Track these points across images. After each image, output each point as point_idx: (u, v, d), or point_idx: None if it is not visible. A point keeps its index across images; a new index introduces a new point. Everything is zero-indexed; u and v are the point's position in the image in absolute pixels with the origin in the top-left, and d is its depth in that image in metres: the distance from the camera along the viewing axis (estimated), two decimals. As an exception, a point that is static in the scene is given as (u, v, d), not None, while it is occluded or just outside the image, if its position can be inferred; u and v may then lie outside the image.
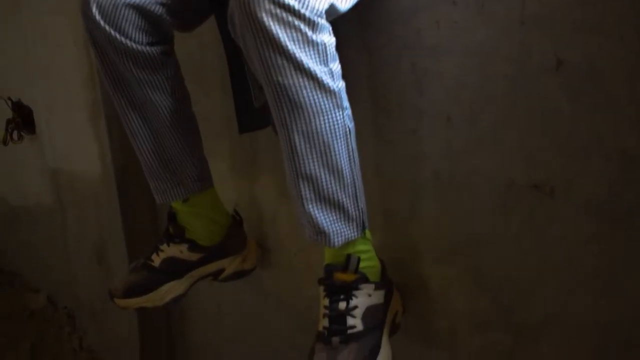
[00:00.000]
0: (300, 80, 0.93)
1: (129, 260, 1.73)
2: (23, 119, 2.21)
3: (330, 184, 1.00)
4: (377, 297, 1.08)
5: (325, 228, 1.02)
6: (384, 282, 1.11)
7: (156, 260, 1.35)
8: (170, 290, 1.36)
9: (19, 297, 2.41)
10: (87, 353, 2.03)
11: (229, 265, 1.41)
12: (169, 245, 1.34)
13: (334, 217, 1.02)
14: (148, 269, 1.36)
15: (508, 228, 1.04)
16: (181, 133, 1.25)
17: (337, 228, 1.03)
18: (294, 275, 1.44)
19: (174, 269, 1.35)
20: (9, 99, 2.26)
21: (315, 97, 0.94)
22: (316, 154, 0.98)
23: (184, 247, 1.33)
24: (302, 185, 1.00)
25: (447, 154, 1.09)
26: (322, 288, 1.09)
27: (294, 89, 0.93)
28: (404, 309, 1.20)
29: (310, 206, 1.01)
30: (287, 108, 0.95)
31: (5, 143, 2.21)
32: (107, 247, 1.79)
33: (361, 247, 1.08)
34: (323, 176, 0.99)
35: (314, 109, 0.95)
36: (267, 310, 1.54)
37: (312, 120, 0.95)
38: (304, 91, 0.93)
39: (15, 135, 2.21)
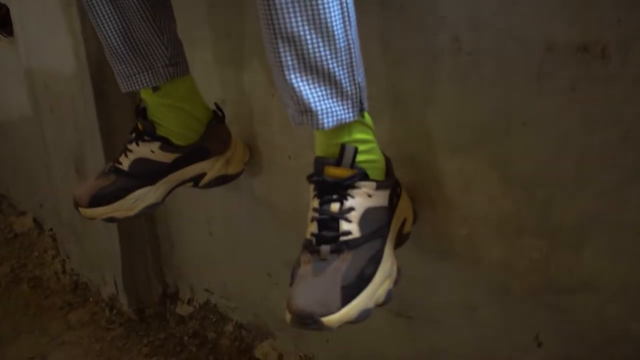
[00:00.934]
0: None
1: (108, 170, 1.55)
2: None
3: (318, 47, 0.78)
4: (380, 199, 0.88)
5: (312, 105, 0.81)
6: (390, 182, 0.91)
7: (124, 163, 1.16)
8: (142, 197, 1.18)
9: (4, 219, 2.25)
10: (70, 277, 1.87)
11: (210, 168, 1.21)
12: (138, 145, 1.15)
13: (323, 92, 0.81)
14: (116, 173, 1.17)
15: (546, 105, 0.82)
16: (148, 6, 1.04)
17: (327, 105, 0.82)
18: (287, 182, 1.24)
19: (146, 173, 1.16)
20: (-17, -2, 2.05)
21: None
22: (299, 6, 0.76)
23: (155, 146, 1.14)
24: (282, 49, 0.78)
25: (471, 16, 0.86)
26: (311, 187, 0.89)
27: None
28: (415, 216, 1.00)
29: (292, 76, 0.79)
30: None
31: (-21, 47, 2.01)
32: (85, 153, 1.61)
33: (359, 135, 0.87)
34: (308, 36, 0.77)
35: None
36: (259, 222, 1.35)
37: None
38: None
39: (-10, 38, 2.00)
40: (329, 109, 0.82)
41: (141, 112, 1.15)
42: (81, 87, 1.53)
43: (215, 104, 1.21)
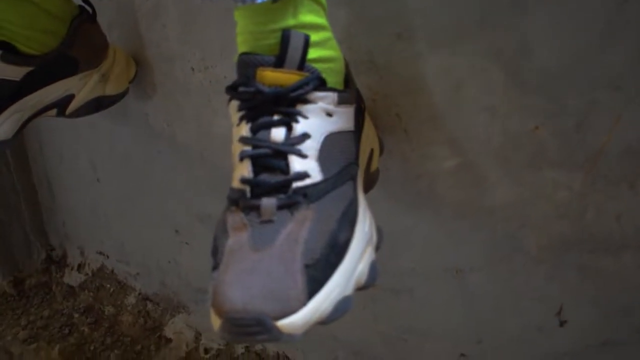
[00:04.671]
0: None
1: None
2: None
3: None
4: (343, 119, 0.57)
5: None
6: (353, 93, 0.59)
7: None
8: None
9: None
10: None
11: (81, 88, 0.89)
12: None
13: None
14: None
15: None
16: None
17: None
18: (193, 104, 0.91)
19: None
20: None
21: None
22: None
23: None
24: None
25: None
26: (233, 105, 0.56)
27: None
28: (381, 146, 0.69)
29: None
30: None
31: None
32: None
33: (309, 17, 0.55)
34: None
35: None
36: (158, 161, 1.03)
37: None
38: None
39: None
40: None
41: None
42: None
43: (83, -6, 0.87)
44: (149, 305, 1.20)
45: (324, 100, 0.54)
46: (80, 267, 1.33)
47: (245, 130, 0.54)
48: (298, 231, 0.50)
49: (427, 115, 0.67)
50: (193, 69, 0.88)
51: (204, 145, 0.93)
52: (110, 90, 0.90)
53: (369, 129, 0.64)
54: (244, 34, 0.55)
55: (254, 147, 0.53)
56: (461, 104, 0.64)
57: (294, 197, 0.51)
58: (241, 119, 0.54)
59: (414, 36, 0.65)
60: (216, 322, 0.47)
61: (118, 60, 0.90)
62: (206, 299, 0.48)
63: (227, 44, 0.82)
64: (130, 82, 0.93)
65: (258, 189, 0.52)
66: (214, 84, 0.86)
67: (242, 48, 0.55)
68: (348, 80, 0.61)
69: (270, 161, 0.52)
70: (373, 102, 0.70)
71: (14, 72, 0.82)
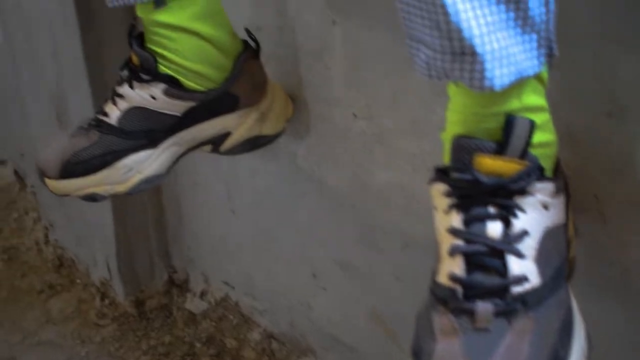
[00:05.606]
0: None
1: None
2: None
3: None
4: (558, 211, 0.52)
5: (476, 42, 0.45)
6: (562, 179, 0.54)
7: (112, 114, 0.83)
8: (138, 166, 0.84)
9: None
10: (54, 249, 1.56)
11: (238, 126, 0.87)
12: (132, 87, 0.81)
13: (497, 19, 0.46)
14: (100, 129, 0.83)
15: None
16: None
17: (502, 45, 0.46)
18: (350, 151, 0.88)
19: (144, 130, 0.82)
20: None
21: None
22: None
23: (157, 89, 0.80)
24: None
25: None
26: (441, 189, 0.52)
27: None
28: (576, 230, 0.63)
29: None
30: None
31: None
32: (66, 94, 1.28)
33: (532, 98, 0.50)
34: None
35: None
36: (303, 201, 1.00)
37: None
38: None
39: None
40: (504, 50, 0.45)
41: (136, 37, 0.80)
42: (62, 6, 1.17)
43: (247, 30, 0.86)
44: (274, 344, 1.17)
45: (542, 192, 0.50)
46: (203, 294, 1.32)
47: (456, 220, 0.49)
48: (518, 344, 0.44)
49: (631, 200, 0.60)
50: (355, 115, 0.85)
51: (358, 195, 0.89)
52: (268, 129, 0.87)
53: (572, 215, 0.58)
54: (463, 114, 0.50)
55: (468, 241, 0.48)
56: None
57: (512, 304, 0.46)
58: (451, 206, 0.50)
59: (626, 116, 0.58)
60: None
61: (277, 99, 0.88)
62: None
63: (399, 94, 0.78)
64: (287, 121, 0.90)
65: (472, 290, 0.47)
66: (378, 135, 0.82)
67: (457, 128, 0.50)
68: (558, 164, 0.55)
69: (485, 259, 0.47)
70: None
71: (175, 107, 0.81)
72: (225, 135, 0.86)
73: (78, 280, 1.49)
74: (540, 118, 0.50)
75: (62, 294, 1.46)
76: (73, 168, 0.82)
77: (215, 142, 0.86)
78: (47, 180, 0.84)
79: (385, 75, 0.79)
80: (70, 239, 1.53)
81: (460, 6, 0.44)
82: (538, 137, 0.50)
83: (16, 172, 1.86)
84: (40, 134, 1.47)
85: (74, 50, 1.18)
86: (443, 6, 0.44)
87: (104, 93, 1.18)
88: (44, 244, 1.58)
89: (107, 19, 1.15)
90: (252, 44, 0.84)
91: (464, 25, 0.44)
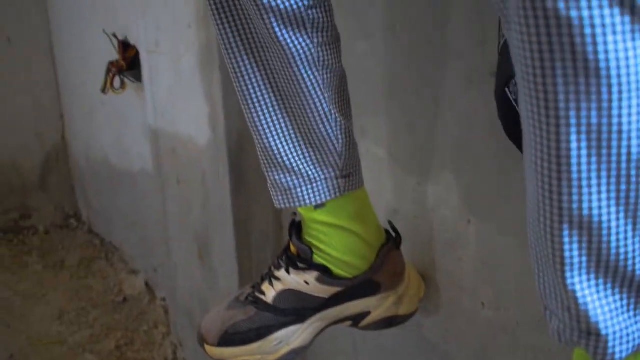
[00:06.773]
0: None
1: (238, 265, 1.32)
2: (127, 63, 1.84)
3: (626, 238, 0.50)
4: None
5: (600, 325, 0.54)
6: None
7: (269, 294, 0.95)
8: (287, 339, 0.96)
9: (115, 276, 2.09)
10: (182, 369, 1.67)
11: (377, 307, 0.97)
12: (288, 272, 0.93)
13: (619, 304, 0.54)
14: (257, 306, 0.95)
15: None
16: (324, 98, 0.81)
17: (622, 324, 0.54)
18: (475, 335, 0.96)
19: (295, 309, 0.94)
20: (114, 36, 1.90)
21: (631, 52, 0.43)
22: (613, 174, 0.48)
23: (311, 276, 0.91)
24: (567, 238, 0.51)
25: None
26: None
27: (586, 34, 0.43)
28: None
29: (575, 279, 0.53)
30: (563, 70, 0.45)
31: (104, 91, 1.85)
32: (211, 239, 1.40)
33: None
34: (614, 222, 0.49)
35: (627, 78, 0.44)
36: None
37: (619, 99, 0.45)
38: (610, 39, 0.43)
39: (117, 82, 1.85)
40: (624, 329, 0.53)
41: (296, 230, 0.92)
42: (215, 164, 1.32)
43: (390, 222, 0.96)
44: None
45: None
46: None
47: None
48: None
49: None
50: (483, 304, 0.93)
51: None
52: (403, 310, 0.97)
53: None
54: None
55: None
56: None
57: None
58: None
59: None
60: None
61: (413, 283, 0.98)
62: None
63: (524, 285, 0.85)
64: (420, 302, 0.99)
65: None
66: (505, 325, 0.90)
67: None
68: None
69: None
70: None
71: (324, 292, 0.92)
72: (365, 314, 0.95)
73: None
74: None
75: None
76: (231, 338, 0.94)
77: (356, 320, 0.96)
78: (207, 347, 0.95)
79: (514, 274, 0.88)
80: (198, 361, 1.64)
81: (588, 296, 0.53)
82: None
83: (147, 284, 2.02)
84: (180, 263, 1.61)
85: (223, 203, 1.32)
86: (573, 296, 0.53)
87: (247, 246, 1.32)
88: (172, 362, 1.70)
89: (256, 182, 1.28)
90: (393, 235, 0.95)
91: (590, 312, 0.53)
